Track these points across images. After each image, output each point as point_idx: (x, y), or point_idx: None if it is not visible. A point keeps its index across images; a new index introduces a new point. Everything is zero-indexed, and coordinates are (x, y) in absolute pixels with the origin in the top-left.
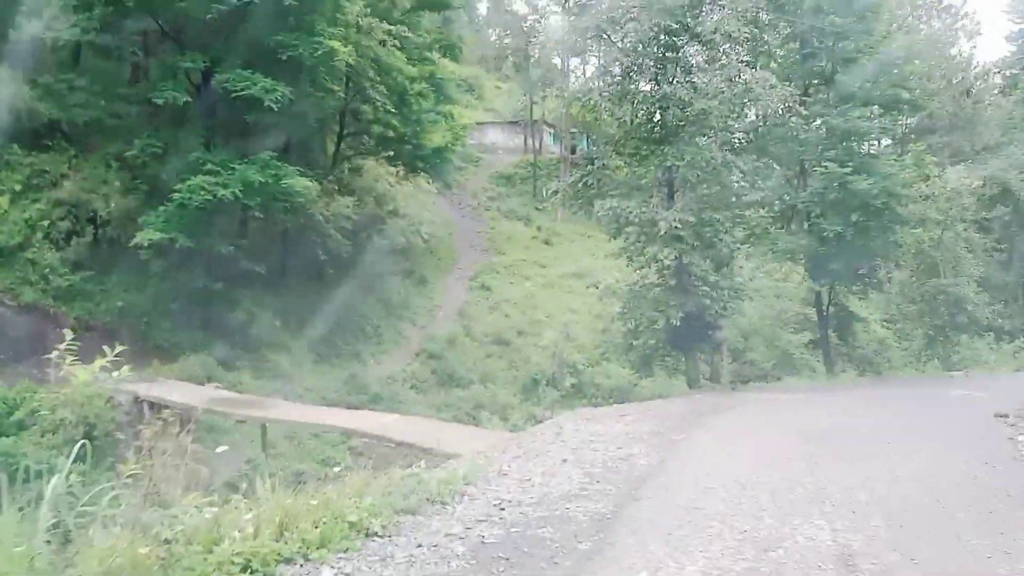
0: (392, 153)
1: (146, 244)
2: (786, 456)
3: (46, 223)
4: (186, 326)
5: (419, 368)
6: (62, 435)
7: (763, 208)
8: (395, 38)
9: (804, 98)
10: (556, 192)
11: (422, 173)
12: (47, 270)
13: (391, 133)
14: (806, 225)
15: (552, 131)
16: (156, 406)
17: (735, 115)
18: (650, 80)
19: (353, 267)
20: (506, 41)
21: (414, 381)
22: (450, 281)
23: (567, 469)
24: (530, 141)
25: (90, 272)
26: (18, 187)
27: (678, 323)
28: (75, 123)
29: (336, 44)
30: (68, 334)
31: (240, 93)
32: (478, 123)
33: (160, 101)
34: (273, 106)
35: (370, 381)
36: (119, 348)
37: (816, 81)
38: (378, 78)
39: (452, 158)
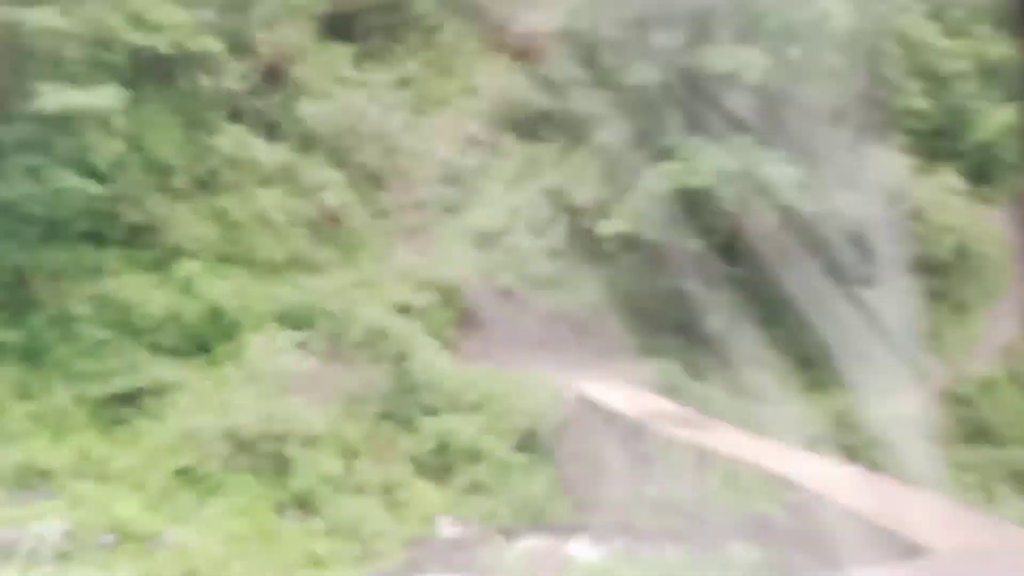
0: (909, 142)
1: (610, 235)
2: None
3: (528, 211)
4: (655, 328)
5: (938, 414)
6: (510, 422)
7: None
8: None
9: None
10: None
11: (951, 168)
12: (524, 257)
13: (920, 125)
14: None
15: None
16: (596, 408)
17: None
18: None
19: (857, 280)
20: None
21: (928, 429)
22: (997, 311)
23: None
24: None
25: (565, 262)
26: (510, 175)
27: None
28: (567, 112)
29: (831, 5)
30: None
31: (718, 70)
32: None
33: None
34: (752, 82)
35: (867, 421)
36: None
37: None
38: (900, 53)
39: (1008, 157)
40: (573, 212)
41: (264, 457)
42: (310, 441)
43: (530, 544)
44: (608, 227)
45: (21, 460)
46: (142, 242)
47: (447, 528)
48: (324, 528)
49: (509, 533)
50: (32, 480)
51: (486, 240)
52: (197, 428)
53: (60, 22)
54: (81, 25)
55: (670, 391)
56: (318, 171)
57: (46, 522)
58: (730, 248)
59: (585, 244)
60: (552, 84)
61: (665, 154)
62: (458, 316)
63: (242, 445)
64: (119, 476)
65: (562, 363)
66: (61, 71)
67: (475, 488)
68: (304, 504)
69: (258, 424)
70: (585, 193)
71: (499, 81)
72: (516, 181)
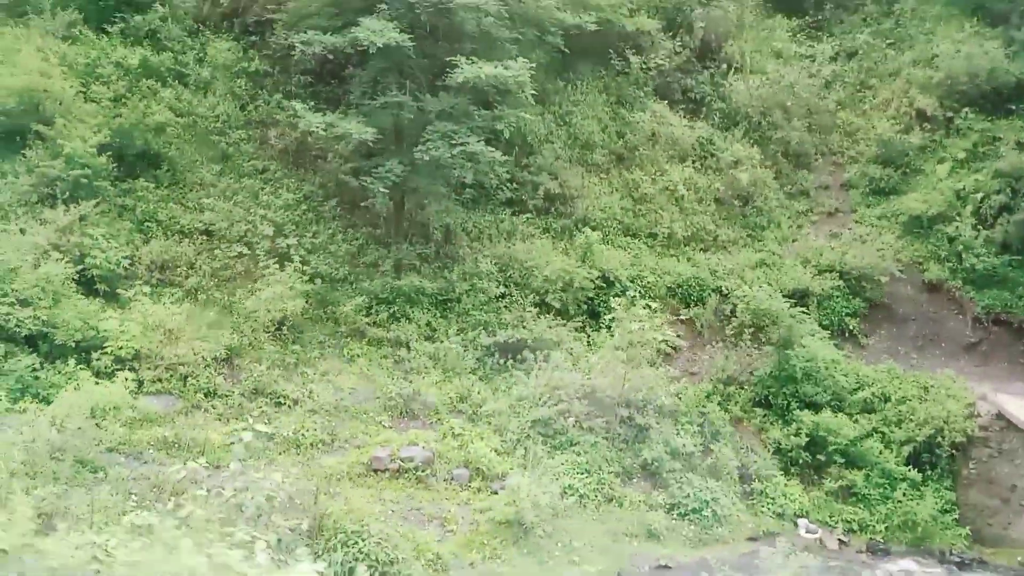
0: None
1: None
2: None
3: (978, 196)
4: None
5: None
6: (906, 430)
7: None
8: None
9: None
10: None
11: None
12: (962, 248)
13: None
14: None
15: None
16: (1019, 429)
17: None
18: None
19: None
20: None
21: None
22: None
23: None
24: None
25: (1017, 257)
26: (961, 155)
27: None
28: None
29: None
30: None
31: None
32: None
33: None
34: None
35: None
36: None
37: None
38: None
39: None
40: None
41: (619, 422)
42: (670, 414)
43: (903, 568)
44: None
45: (410, 393)
46: (555, 211)
47: (805, 532)
48: (667, 503)
49: (879, 552)
50: (417, 411)
51: (918, 227)
52: (560, 385)
53: (486, 2)
54: (513, 5)
55: None
56: (735, 148)
57: (412, 449)
58: None
59: None
60: None
61: None
62: (867, 307)
63: (599, 407)
64: (486, 418)
65: (990, 374)
66: (494, 50)
67: (848, 496)
68: (652, 475)
69: (616, 390)
70: None
71: (965, 48)
72: (967, 162)
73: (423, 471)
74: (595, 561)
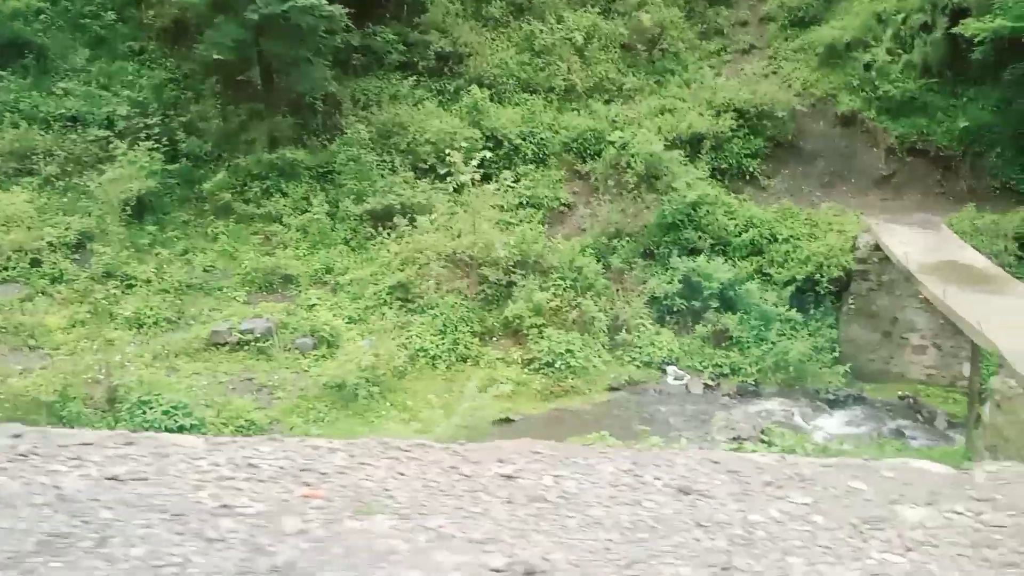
0: None
1: (977, 40)
2: None
3: (899, 17)
4: None
5: None
6: (790, 269)
7: None
8: None
9: None
10: None
11: None
12: (877, 75)
13: None
14: None
15: None
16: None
17: None
18: None
19: None
20: None
21: None
22: None
23: None
24: None
25: (936, 80)
26: None
27: None
28: None
29: None
30: None
31: None
32: None
33: None
34: None
35: None
36: None
37: None
38: None
39: None
40: (955, 15)
41: (482, 283)
42: (541, 271)
43: (765, 407)
44: (971, 28)
45: (271, 267)
46: (448, 71)
47: (673, 379)
48: (524, 359)
49: (748, 394)
50: (277, 284)
51: (834, 57)
52: (422, 248)
53: None
54: None
55: None
56: None
57: (255, 321)
58: None
59: (965, 58)
60: None
61: None
62: (769, 147)
63: (462, 268)
64: (346, 287)
65: (902, 206)
66: None
67: (722, 339)
68: (515, 333)
69: (474, 249)
70: None
71: None
72: None
73: (264, 342)
74: (428, 419)
